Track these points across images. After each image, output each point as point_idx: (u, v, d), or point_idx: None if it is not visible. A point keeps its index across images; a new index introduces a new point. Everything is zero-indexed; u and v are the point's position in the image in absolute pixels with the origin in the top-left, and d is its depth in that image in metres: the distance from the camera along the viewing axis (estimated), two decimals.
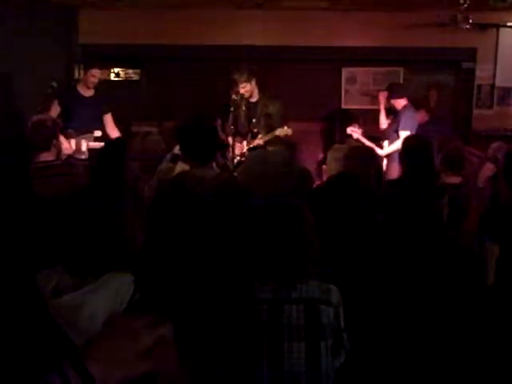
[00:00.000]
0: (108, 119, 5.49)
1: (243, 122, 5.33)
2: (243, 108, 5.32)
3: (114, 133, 5.47)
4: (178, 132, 2.88)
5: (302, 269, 1.99)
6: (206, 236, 2.55)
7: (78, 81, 5.68)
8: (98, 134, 5.27)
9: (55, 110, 5.21)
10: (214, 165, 3.00)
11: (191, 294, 2.40)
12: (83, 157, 5.14)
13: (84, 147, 5.11)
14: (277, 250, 1.98)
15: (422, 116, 6.34)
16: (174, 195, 2.64)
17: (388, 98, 5.93)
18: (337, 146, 4.28)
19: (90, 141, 5.18)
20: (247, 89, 5.22)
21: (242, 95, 5.23)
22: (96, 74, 5.40)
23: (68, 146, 5.04)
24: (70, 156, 5.01)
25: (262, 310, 1.92)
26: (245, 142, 5.25)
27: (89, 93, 5.42)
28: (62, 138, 4.98)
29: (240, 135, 5.29)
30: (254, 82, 5.25)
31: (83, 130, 5.18)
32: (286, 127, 4.91)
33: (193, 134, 2.80)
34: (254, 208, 2.36)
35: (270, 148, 4.71)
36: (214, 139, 2.83)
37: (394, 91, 5.91)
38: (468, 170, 4.21)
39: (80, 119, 5.21)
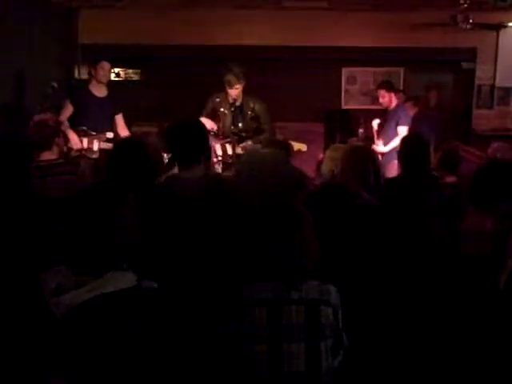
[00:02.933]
0: (119, 119, 5.43)
1: (228, 125, 5.08)
2: (227, 110, 5.10)
3: (124, 133, 5.43)
4: (165, 134, 2.85)
5: (301, 269, 1.99)
6: (195, 237, 2.56)
7: (88, 81, 5.56)
8: (110, 135, 5.25)
9: (68, 111, 5.17)
10: (202, 167, 2.93)
11: (187, 293, 2.42)
12: (94, 156, 5.14)
13: (96, 147, 5.12)
14: (276, 251, 1.98)
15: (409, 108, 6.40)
16: (164, 198, 2.64)
17: (384, 93, 5.94)
18: (335, 145, 4.28)
19: (102, 141, 5.18)
20: (239, 91, 5.00)
21: (230, 97, 5.01)
22: (105, 67, 5.29)
23: (78, 142, 5.02)
24: (81, 155, 5.02)
25: (262, 311, 1.92)
26: (227, 145, 4.98)
27: (102, 93, 5.33)
28: (72, 134, 4.99)
29: (224, 138, 5.04)
30: (243, 84, 5.01)
31: (96, 130, 5.16)
32: (300, 143, 4.63)
33: (178, 135, 2.76)
34: (252, 208, 2.36)
35: (263, 150, 4.53)
36: (200, 141, 2.78)
37: (387, 87, 5.95)
38: (468, 170, 4.21)
39: (92, 119, 5.14)
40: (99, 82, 5.28)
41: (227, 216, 2.60)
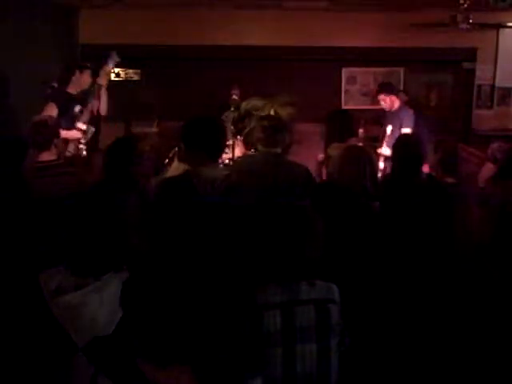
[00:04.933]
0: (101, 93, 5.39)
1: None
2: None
3: (102, 106, 5.41)
4: (189, 128, 2.80)
5: (309, 269, 1.99)
6: (212, 236, 2.55)
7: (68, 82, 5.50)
8: (91, 130, 5.21)
9: (52, 113, 5.13)
10: (218, 166, 2.95)
11: (192, 296, 2.40)
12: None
13: (84, 152, 5.08)
14: (283, 251, 1.97)
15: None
16: (184, 194, 2.62)
17: (384, 97, 5.88)
18: (335, 144, 4.27)
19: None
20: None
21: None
22: (90, 75, 5.32)
23: (78, 133, 4.99)
24: (69, 157, 4.99)
25: (276, 314, 1.91)
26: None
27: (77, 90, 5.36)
28: (72, 132, 4.96)
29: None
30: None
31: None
32: None
33: (206, 129, 2.74)
34: (260, 209, 2.35)
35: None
36: (224, 137, 2.81)
37: (387, 90, 5.90)
38: (468, 170, 4.22)
39: (70, 117, 5.14)
40: (80, 87, 5.29)
41: (240, 217, 2.59)
